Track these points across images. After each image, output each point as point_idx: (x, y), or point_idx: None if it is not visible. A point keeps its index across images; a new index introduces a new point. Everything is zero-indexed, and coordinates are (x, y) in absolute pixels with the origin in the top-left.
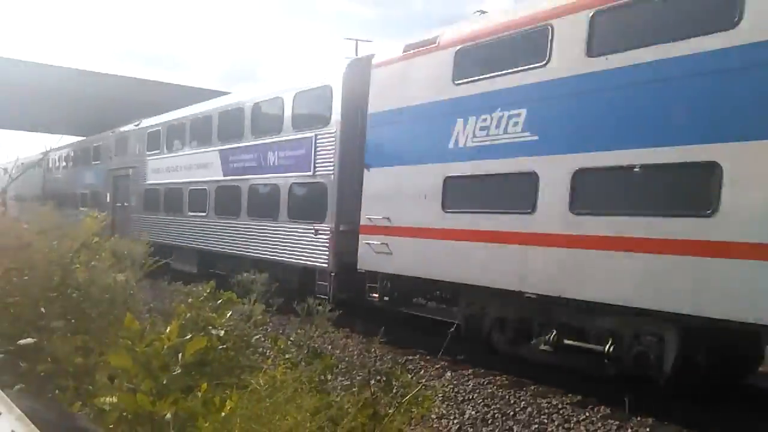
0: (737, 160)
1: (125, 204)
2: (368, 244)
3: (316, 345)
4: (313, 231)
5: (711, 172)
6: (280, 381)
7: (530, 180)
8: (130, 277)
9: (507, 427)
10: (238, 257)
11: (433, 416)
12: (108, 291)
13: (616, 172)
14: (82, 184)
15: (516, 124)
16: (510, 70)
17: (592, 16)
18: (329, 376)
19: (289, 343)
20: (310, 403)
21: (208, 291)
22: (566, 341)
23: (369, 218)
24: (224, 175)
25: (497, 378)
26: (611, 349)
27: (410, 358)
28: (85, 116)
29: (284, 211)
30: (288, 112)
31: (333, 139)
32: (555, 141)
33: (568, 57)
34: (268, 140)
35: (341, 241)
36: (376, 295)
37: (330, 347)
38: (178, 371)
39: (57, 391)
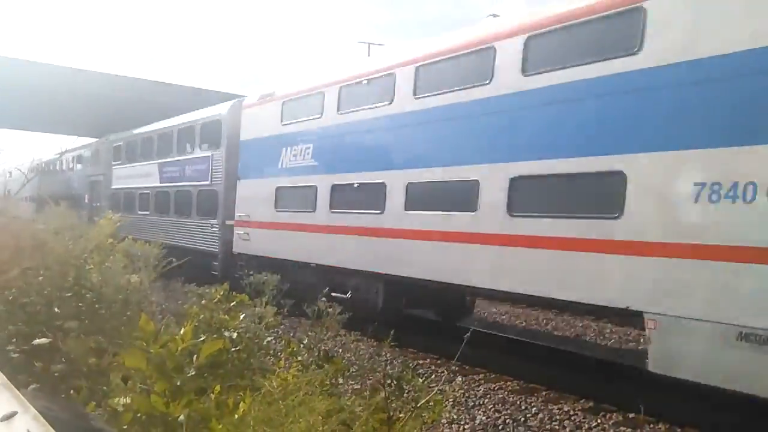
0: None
1: (98, 204)
2: (238, 233)
3: (327, 348)
4: (209, 225)
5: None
6: (292, 384)
7: (312, 190)
8: (144, 279)
9: None
10: (171, 246)
11: (444, 421)
12: (122, 292)
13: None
14: (69, 186)
15: (307, 152)
16: (299, 119)
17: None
18: (341, 380)
19: (301, 346)
20: (322, 407)
21: (221, 293)
22: (333, 294)
23: (239, 215)
24: (160, 183)
25: (508, 383)
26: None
27: (421, 362)
28: (99, 117)
29: (194, 210)
30: (198, 137)
31: (221, 157)
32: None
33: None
34: (185, 157)
35: (226, 232)
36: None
37: (341, 350)
38: (192, 373)
39: (72, 392)
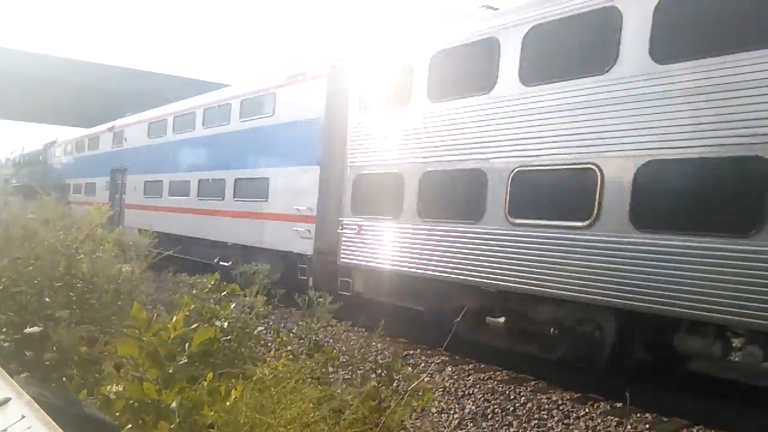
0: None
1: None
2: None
3: (318, 338)
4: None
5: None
6: (282, 372)
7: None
8: (135, 268)
9: (507, 423)
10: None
11: (434, 410)
12: (113, 281)
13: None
14: (51, 177)
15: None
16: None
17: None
18: (331, 369)
19: (291, 335)
20: (313, 394)
21: (212, 283)
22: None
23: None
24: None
25: (498, 373)
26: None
27: (411, 352)
28: (88, 107)
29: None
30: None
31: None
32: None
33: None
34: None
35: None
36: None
37: (331, 340)
38: (184, 361)
39: (63, 380)
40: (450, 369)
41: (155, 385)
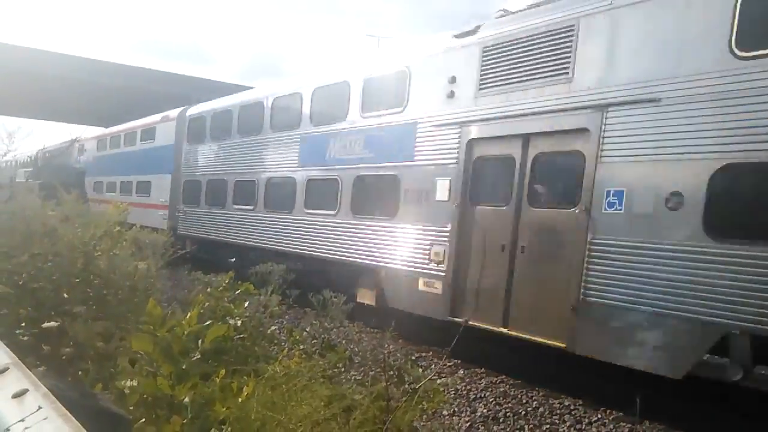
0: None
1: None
2: None
3: (331, 338)
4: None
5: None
6: (294, 371)
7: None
8: (151, 266)
9: (518, 427)
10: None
11: (445, 413)
12: (129, 278)
13: None
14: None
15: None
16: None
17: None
18: (342, 369)
19: (305, 334)
20: (324, 392)
21: (226, 281)
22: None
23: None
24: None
25: (509, 378)
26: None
27: (423, 354)
28: (109, 107)
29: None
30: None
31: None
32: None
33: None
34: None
35: None
36: None
37: (344, 341)
38: (198, 357)
39: (79, 374)
40: (462, 372)
41: (168, 380)
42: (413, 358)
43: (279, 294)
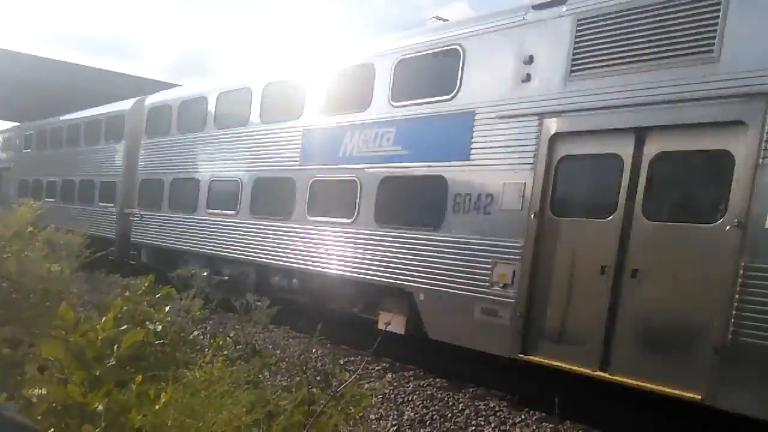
0: None
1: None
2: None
3: (256, 343)
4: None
5: None
6: (216, 377)
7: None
8: (65, 268)
9: (444, 429)
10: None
11: (372, 417)
12: (41, 281)
13: None
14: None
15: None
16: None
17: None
18: (267, 374)
19: (228, 339)
20: (246, 399)
21: (146, 284)
22: None
23: None
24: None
25: (437, 380)
26: None
27: (352, 359)
28: (23, 102)
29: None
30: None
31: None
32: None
33: None
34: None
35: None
36: None
37: (271, 346)
38: (113, 363)
39: None
40: (390, 375)
41: (81, 387)
42: (341, 362)
43: (202, 298)
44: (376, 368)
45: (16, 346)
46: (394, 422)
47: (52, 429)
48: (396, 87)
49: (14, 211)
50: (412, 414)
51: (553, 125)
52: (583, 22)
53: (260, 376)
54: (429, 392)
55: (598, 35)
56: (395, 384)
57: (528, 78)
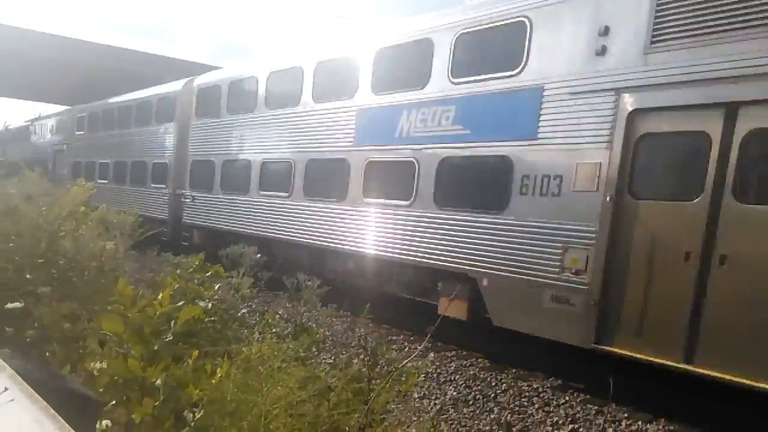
0: None
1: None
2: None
3: (304, 321)
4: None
5: None
6: (266, 354)
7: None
8: (119, 246)
9: (487, 409)
10: None
11: (416, 395)
12: (95, 259)
13: None
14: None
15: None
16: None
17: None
18: (315, 352)
19: (277, 317)
20: (299, 374)
21: (196, 263)
22: None
23: None
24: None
25: (480, 360)
26: None
27: (394, 338)
28: (71, 85)
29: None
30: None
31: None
32: None
33: None
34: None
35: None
36: None
37: (315, 325)
38: (170, 338)
39: (47, 355)
40: (432, 355)
41: (140, 362)
42: (386, 340)
43: (251, 277)
44: (419, 347)
45: (74, 321)
46: (437, 401)
47: (114, 401)
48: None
49: (68, 192)
50: (454, 393)
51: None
52: None
53: (308, 353)
54: (471, 372)
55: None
56: (437, 363)
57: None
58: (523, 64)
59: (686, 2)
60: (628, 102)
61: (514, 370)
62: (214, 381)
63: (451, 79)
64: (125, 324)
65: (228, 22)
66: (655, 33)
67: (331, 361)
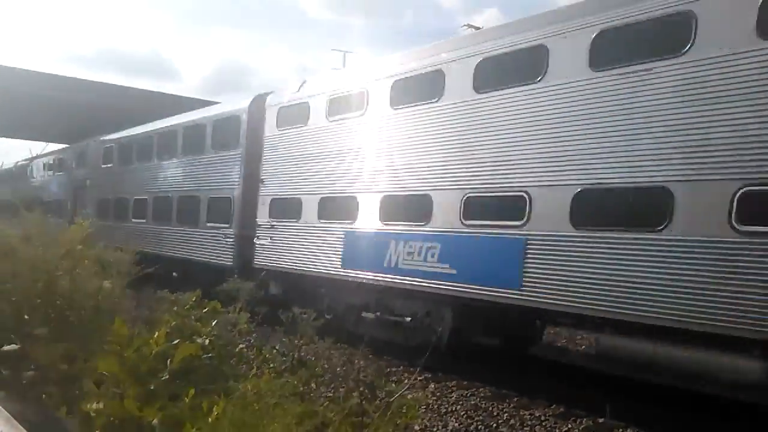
0: None
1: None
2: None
3: (301, 355)
4: None
5: None
6: (264, 389)
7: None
8: (116, 285)
9: None
10: None
11: (417, 428)
12: (93, 298)
13: None
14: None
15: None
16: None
17: None
18: (314, 386)
19: (275, 352)
20: (296, 410)
21: (193, 299)
22: None
23: None
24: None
25: (480, 390)
26: None
27: (394, 369)
28: (69, 124)
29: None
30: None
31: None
32: None
33: None
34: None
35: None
36: None
37: (314, 358)
38: (166, 377)
39: (43, 397)
40: (433, 386)
41: (136, 402)
42: (384, 373)
43: (247, 311)
44: (419, 378)
45: (71, 361)
46: None
47: None
48: None
49: (66, 230)
50: (456, 424)
51: None
52: None
53: (307, 387)
54: (473, 402)
55: None
56: (438, 394)
57: None
58: None
59: None
60: None
61: (516, 398)
62: (210, 419)
63: None
64: (121, 364)
65: (224, 55)
66: None
67: (330, 395)
